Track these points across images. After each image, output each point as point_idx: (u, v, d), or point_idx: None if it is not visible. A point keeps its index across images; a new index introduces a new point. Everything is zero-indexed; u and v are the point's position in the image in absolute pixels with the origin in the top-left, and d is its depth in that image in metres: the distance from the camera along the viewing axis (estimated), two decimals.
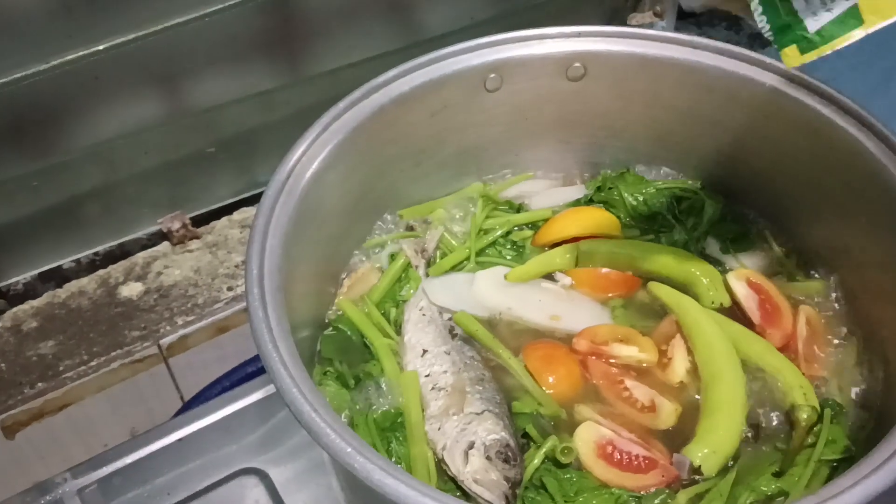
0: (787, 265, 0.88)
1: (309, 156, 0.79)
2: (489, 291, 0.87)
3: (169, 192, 1.25)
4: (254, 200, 1.30)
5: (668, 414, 0.76)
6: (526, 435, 0.75)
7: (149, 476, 0.95)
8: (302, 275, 0.78)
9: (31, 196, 1.15)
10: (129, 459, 0.96)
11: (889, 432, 0.61)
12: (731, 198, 0.93)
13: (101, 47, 1.06)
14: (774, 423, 0.77)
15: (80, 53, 1.06)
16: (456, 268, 0.91)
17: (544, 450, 0.73)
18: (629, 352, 0.81)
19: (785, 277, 0.87)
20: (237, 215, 1.29)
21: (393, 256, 0.91)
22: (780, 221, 0.90)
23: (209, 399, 1.08)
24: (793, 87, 0.81)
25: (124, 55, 1.09)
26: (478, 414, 0.73)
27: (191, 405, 1.14)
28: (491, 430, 0.72)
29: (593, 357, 0.81)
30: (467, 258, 0.91)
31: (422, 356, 0.81)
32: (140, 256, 1.23)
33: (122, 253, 1.25)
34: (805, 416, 0.74)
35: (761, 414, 0.77)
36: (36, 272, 1.20)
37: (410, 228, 0.93)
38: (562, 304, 0.86)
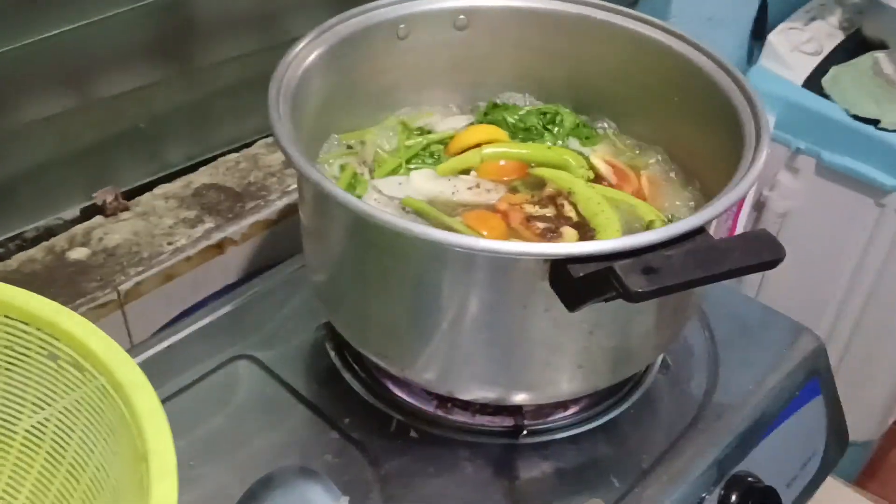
0: (626, 150, 1.24)
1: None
2: (424, 184, 1.14)
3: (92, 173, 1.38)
4: (168, 179, 1.47)
5: (570, 236, 1.07)
6: None
7: None
8: None
9: None
10: None
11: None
12: (581, 111, 1.27)
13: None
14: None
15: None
16: (392, 173, 1.18)
17: None
18: (536, 209, 1.11)
19: (625, 159, 1.22)
20: (158, 191, 1.45)
21: (342, 168, 1.16)
22: (619, 121, 1.27)
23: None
24: (620, 18, 1.18)
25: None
26: None
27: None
28: None
29: (511, 212, 1.10)
30: (400, 166, 1.18)
31: None
32: (78, 228, 1.36)
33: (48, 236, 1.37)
34: (658, 224, 1.08)
35: (630, 231, 1.09)
36: None
37: (349, 148, 1.19)
38: (478, 187, 1.15)
